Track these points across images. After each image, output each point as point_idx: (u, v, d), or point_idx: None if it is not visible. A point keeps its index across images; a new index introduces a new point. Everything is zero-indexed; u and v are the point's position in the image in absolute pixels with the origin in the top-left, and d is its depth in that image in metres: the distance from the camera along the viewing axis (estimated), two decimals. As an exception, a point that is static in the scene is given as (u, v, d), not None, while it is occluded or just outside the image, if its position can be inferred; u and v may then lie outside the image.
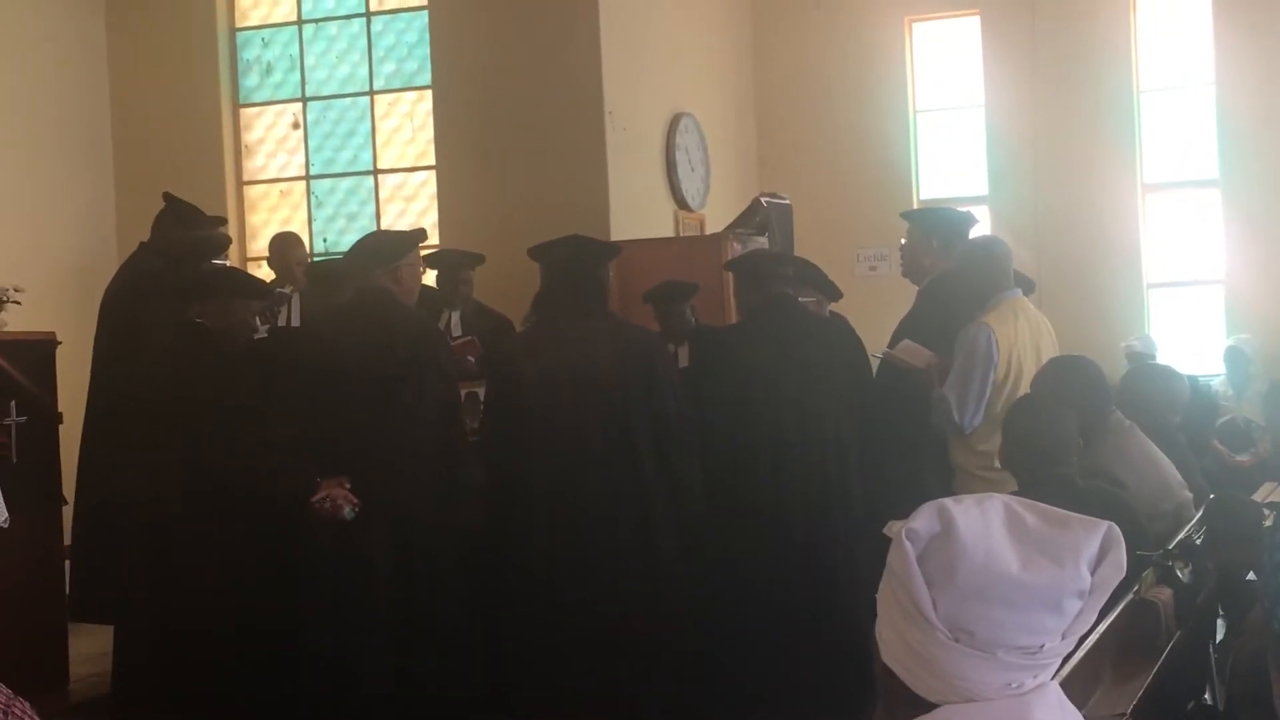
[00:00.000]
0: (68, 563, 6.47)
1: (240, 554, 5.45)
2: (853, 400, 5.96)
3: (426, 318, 5.85)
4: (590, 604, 5.34)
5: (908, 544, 1.63)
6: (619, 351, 5.55)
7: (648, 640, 5.38)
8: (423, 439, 5.29)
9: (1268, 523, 4.12)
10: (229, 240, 7.45)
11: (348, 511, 5.14)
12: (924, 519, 1.64)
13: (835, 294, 7.15)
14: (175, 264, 6.39)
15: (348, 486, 5.18)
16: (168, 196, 6.99)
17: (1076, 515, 1.66)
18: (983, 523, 1.62)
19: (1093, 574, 1.62)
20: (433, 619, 5.28)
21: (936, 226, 6.33)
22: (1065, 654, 1.69)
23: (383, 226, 9.72)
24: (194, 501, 5.44)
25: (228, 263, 6.94)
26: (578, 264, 5.69)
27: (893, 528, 1.66)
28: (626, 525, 5.44)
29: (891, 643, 1.68)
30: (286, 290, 7.00)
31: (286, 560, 5.42)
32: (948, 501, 1.65)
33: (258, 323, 6.32)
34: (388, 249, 5.64)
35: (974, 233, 6.48)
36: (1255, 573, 3.78)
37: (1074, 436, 4.53)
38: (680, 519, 5.56)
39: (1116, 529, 1.64)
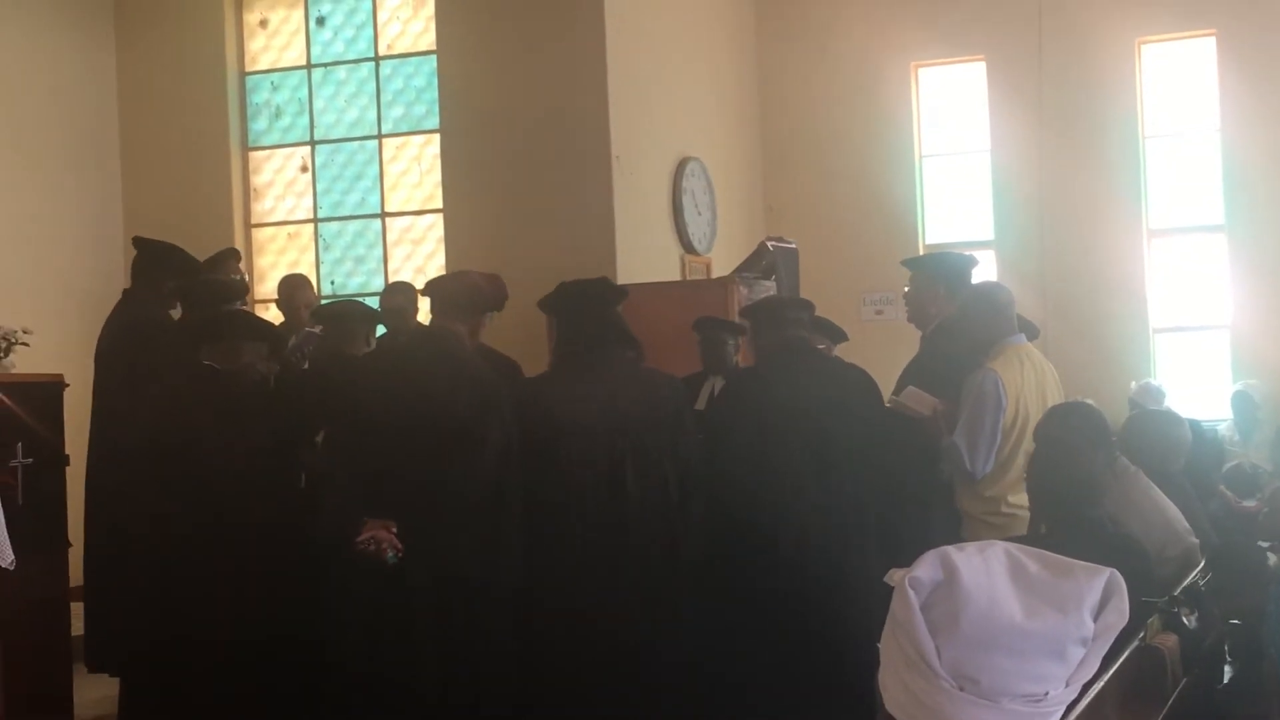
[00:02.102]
0: (80, 609, 6.46)
1: (252, 599, 5.41)
2: (868, 443, 5.91)
3: (493, 371, 5.71)
4: (624, 649, 5.29)
5: (911, 592, 1.62)
6: (649, 395, 5.54)
7: (663, 690, 5.35)
8: (477, 493, 5.16)
9: (1271, 561, 4.11)
10: (246, 287, 7.45)
11: (390, 556, 5.00)
12: (927, 567, 1.63)
13: (840, 337, 7.16)
14: (190, 308, 6.40)
15: (394, 530, 5.04)
16: (138, 241, 6.92)
17: (1079, 562, 1.66)
18: (985, 571, 1.62)
19: (1095, 621, 1.62)
20: (475, 677, 5.16)
21: (941, 272, 6.31)
22: (1069, 701, 1.68)
23: (390, 270, 9.76)
24: (205, 547, 5.41)
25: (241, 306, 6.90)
26: (600, 306, 5.65)
27: (894, 576, 1.66)
28: (658, 566, 5.40)
29: (895, 691, 1.68)
30: (316, 330, 6.95)
31: (308, 605, 5.33)
32: (950, 549, 1.65)
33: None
34: (476, 301, 5.57)
35: (977, 275, 6.46)
36: (1262, 620, 3.77)
37: (1103, 478, 4.50)
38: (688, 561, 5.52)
39: (1119, 576, 1.64)
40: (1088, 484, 4.41)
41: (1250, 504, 8.72)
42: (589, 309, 5.64)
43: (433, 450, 5.13)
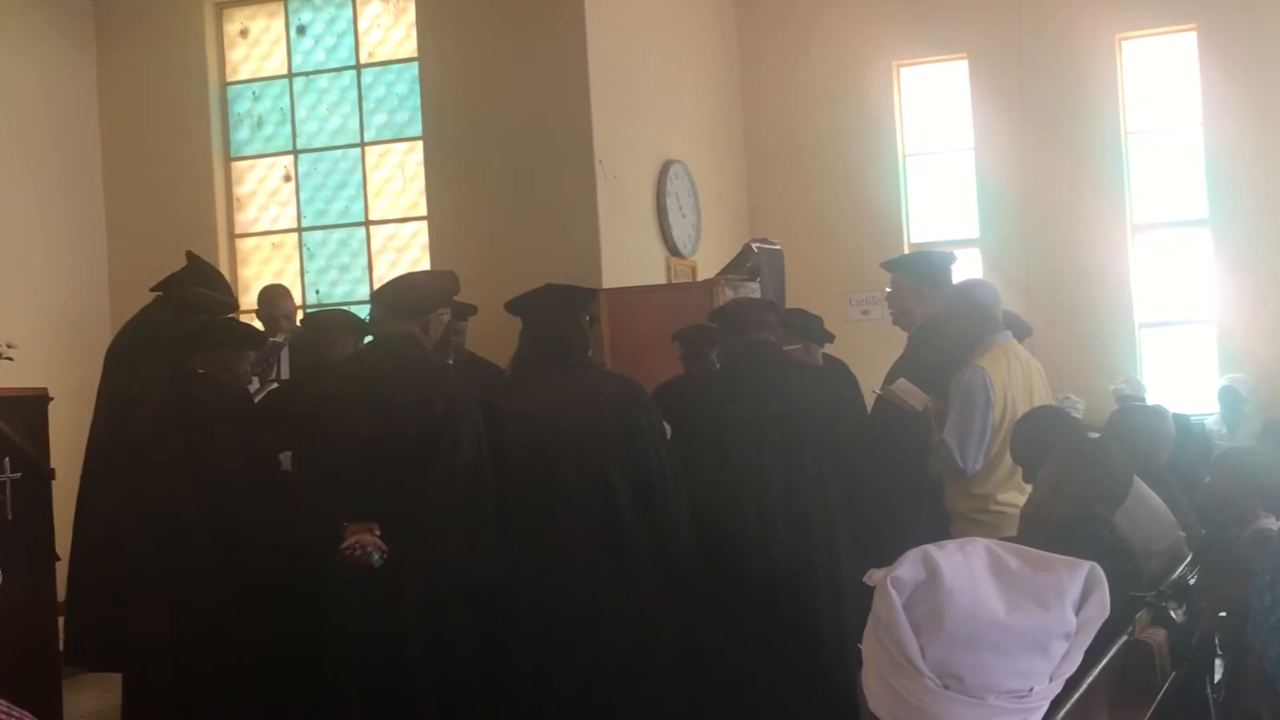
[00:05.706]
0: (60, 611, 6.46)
1: (252, 604, 5.40)
2: (839, 446, 5.88)
3: (461, 372, 5.75)
4: (570, 650, 5.29)
5: (894, 592, 1.62)
6: (597, 400, 5.53)
7: (632, 692, 5.34)
8: (455, 492, 5.19)
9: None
10: (235, 305, 7.47)
11: (376, 559, 5.03)
12: (908, 566, 1.63)
13: (821, 339, 7.07)
14: (180, 315, 6.41)
15: (377, 533, 5.07)
16: (191, 255, 7.00)
17: (1058, 556, 1.66)
18: (967, 568, 1.62)
19: (1077, 615, 1.62)
20: (460, 671, 5.19)
21: (922, 272, 6.28)
22: (1053, 696, 1.69)
23: (375, 277, 9.74)
24: (204, 552, 5.40)
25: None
26: (555, 313, 5.66)
27: (874, 576, 1.66)
28: (637, 567, 5.40)
29: (879, 691, 1.67)
30: (280, 340, 6.97)
31: (304, 609, 5.33)
32: (931, 548, 1.65)
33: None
34: (423, 299, 5.58)
35: (957, 270, 6.44)
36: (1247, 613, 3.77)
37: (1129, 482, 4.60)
38: (666, 568, 5.51)
39: (1099, 569, 1.64)
40: (1116, 485, 4.50)
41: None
42: (555, 314, 5.65)
43: (405, 454, 5.16)
